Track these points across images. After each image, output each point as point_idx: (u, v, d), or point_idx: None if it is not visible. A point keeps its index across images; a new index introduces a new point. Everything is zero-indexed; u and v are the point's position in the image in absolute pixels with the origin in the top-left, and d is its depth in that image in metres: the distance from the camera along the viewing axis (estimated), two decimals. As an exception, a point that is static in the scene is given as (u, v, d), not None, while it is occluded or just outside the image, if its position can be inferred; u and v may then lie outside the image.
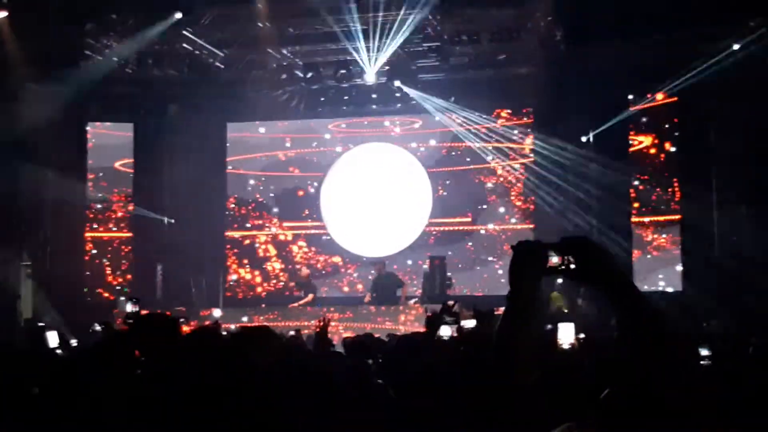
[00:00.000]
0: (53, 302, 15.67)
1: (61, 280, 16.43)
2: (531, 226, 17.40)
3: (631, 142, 16.89)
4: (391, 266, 17.04)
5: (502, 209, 17.75)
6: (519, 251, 2.63)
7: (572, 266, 2.60)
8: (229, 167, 18.73)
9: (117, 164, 18.35)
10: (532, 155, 17.40)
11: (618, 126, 16.59)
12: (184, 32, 16.09)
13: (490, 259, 17.53)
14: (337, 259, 18.27)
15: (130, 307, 12.49)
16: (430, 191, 18.01)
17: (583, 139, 16.58)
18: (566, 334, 7.72)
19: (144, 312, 8.10)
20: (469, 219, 17.83)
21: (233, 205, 18.71)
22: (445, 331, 7.21)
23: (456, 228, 17.84)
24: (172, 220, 17.75)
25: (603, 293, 2.60)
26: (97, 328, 10.82)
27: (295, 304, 15.61)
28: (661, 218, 16.68)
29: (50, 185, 16.68)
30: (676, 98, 16.38)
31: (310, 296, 15.85)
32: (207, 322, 13.36)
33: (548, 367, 4.08)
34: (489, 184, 17.78)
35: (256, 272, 18.48)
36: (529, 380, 2.59)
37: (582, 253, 2.61)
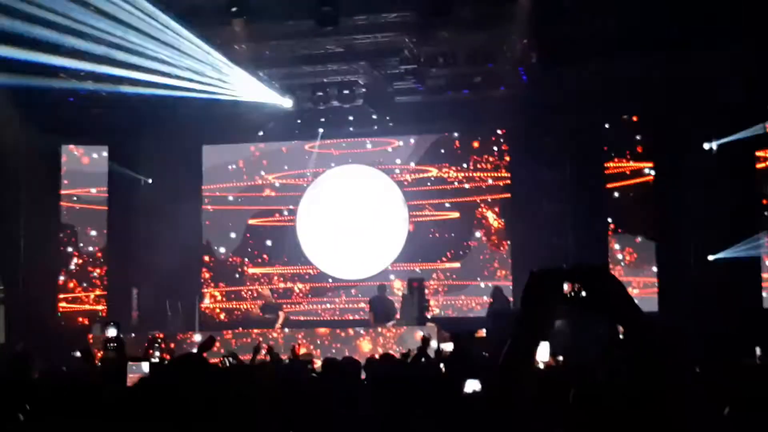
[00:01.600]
0: (26, 327, 15.51)
1: (34, 305, 16.23)
2: (506, 242, 17.51)
3: (606, 163, 17.03)
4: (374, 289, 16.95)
5: (478, 234, 17.78)
6: (537, 278, 2.59)
7: (582, 294, 2.56)
8: (205, 189, 18.68)
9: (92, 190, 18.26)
10: (507, 177, 17.62)
11: (594, 147, 16.85)
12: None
13: (469, 281, 17.57)
14: (314, 282, 18.23)
15: (111, 332, 12.66)
16: (406, 213, 18.01)
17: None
18: (541, 354, 7.70)
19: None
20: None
21: (208, 235, 18.64)
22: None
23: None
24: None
25: (611, 321, 2.60)
26: (77, 354, 10.98)
27: (277, 326, 15.40)
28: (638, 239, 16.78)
29: (23, 209, 16.60)
30: (650, 119, 16.63)
31: (281, 314, 15.69)
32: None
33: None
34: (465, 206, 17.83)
35: (233, 295, 18.36)
36: (528, 402, 2.59)
37: (595, 282, 2.57)
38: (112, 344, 12.10)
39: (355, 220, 17.98)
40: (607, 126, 17.00)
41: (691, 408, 2.51)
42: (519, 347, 2.56)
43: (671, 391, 2.48)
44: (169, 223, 17.31)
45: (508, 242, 17.49)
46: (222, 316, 18.14)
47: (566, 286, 2.54)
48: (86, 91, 16.53)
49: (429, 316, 15.27)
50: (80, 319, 17.55)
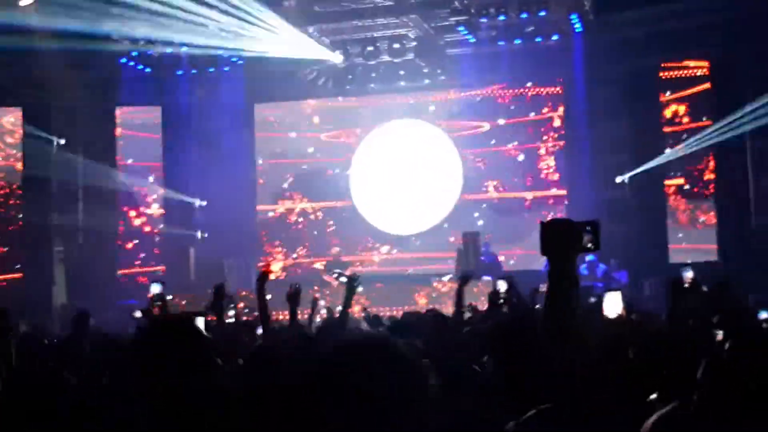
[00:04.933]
0: (86, 287, 15.75)
1: (93, 265, 16.44)
2: (563, 192, 17.31)
3: (663, 110, 16.67)
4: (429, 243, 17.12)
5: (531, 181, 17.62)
6: (553, 230, 2.67)
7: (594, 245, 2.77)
8: (257, 147, 18.72)
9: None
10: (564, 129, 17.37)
11: (649, 94, 16.49)
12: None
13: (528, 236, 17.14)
14: (367, 238, 18.22)
15: (156, 289, 12.57)
16: (460, 166, 17.88)
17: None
18: (613, 304, 7.41)
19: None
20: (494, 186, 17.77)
21: (261, 189, 18.73)
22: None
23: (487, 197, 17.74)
24: (203, 203, 17.74)
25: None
26: (137, 314, 10.90)
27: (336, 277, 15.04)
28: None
29: (81, 170, 16.81)
30: (707, 64, 16.22)
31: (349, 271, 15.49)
32: (240, 305, 13.00)
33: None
34: (520, 157, 17.67)
35: (289, 252, 18.44)
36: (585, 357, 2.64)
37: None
38: (157, 302, 11.71)
39: (408, 174, 17.91)
40: (664, 72, 16.58)
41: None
42: (558, 300, 2.65)
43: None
44: (224, 181, 17.44)
45: (564, 191, 17.30)
46: (278, 273, 17.96)
47: (587, 237, 2.74)
48: (138, 52, 16.74)
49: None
50: (140, 278, 17.64)
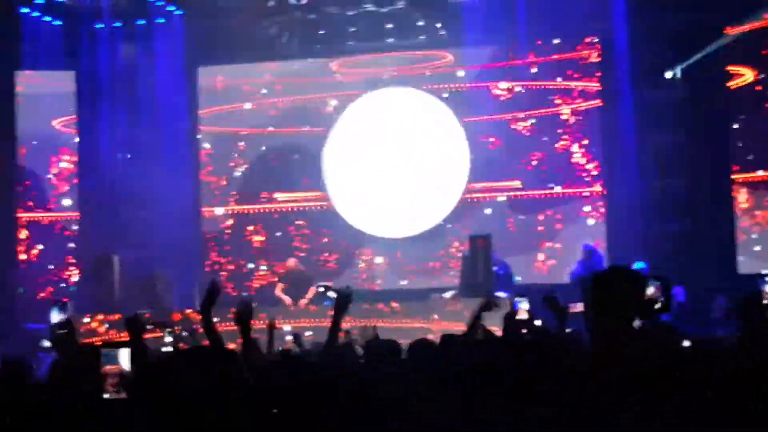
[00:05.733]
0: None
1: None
2: (601, 190, 15.24)
3: (728, 78, 14.74)
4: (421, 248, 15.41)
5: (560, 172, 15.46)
6: (612, 285, 2.60)
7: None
8: (203, 124, 16.48)
9: (55, 122, 16.11)
10: (599, 98, 15.31)
11: (712, 58, 14.62)
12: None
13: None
14: (346, 242, 16.04)
15: (56, 316, 11.87)
16: (466, 148, 15.67)
17: (668, 75, 14.73)
18: None
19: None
20: (519, 183, 15.54)
21: (210, 175, 16.36)
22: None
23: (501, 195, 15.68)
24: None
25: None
26: (46, 344, 11.13)
27: (303, 301, 13.56)
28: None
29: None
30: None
31: (311, 290, 13.56)
32: (178, 329, 11.59)
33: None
34: (544, 138, 15.45)
35: (243, 262, 16.13)
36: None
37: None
38: (61, 330, 11.52)
39: (399, 159, 15.82)
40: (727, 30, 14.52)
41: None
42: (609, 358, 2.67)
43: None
44: (157, 167, 15.52)
45: (601, 185, 15.29)
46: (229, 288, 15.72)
47: (653, 290, 3.57)
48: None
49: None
50: (42, 294, 15.50)
